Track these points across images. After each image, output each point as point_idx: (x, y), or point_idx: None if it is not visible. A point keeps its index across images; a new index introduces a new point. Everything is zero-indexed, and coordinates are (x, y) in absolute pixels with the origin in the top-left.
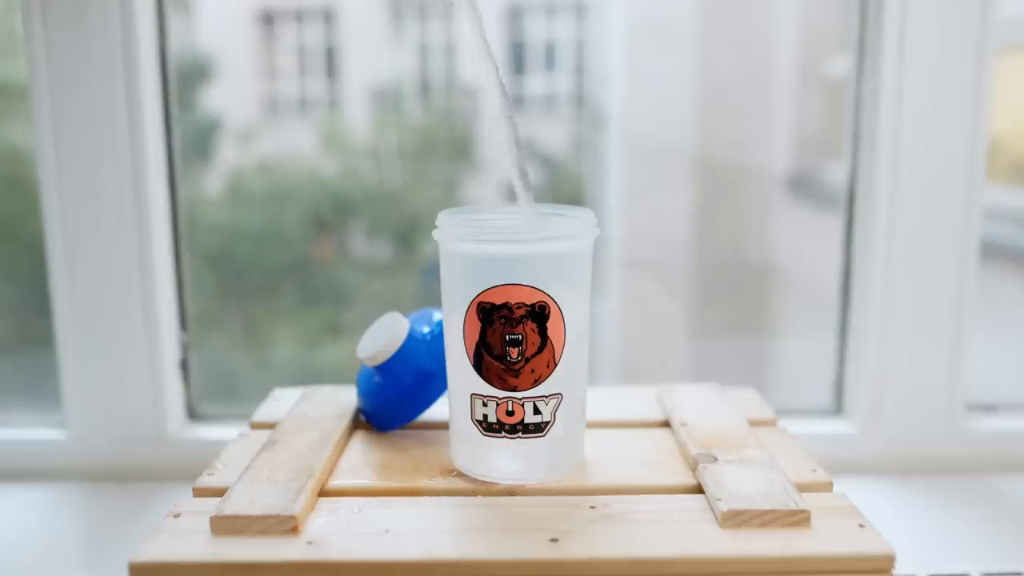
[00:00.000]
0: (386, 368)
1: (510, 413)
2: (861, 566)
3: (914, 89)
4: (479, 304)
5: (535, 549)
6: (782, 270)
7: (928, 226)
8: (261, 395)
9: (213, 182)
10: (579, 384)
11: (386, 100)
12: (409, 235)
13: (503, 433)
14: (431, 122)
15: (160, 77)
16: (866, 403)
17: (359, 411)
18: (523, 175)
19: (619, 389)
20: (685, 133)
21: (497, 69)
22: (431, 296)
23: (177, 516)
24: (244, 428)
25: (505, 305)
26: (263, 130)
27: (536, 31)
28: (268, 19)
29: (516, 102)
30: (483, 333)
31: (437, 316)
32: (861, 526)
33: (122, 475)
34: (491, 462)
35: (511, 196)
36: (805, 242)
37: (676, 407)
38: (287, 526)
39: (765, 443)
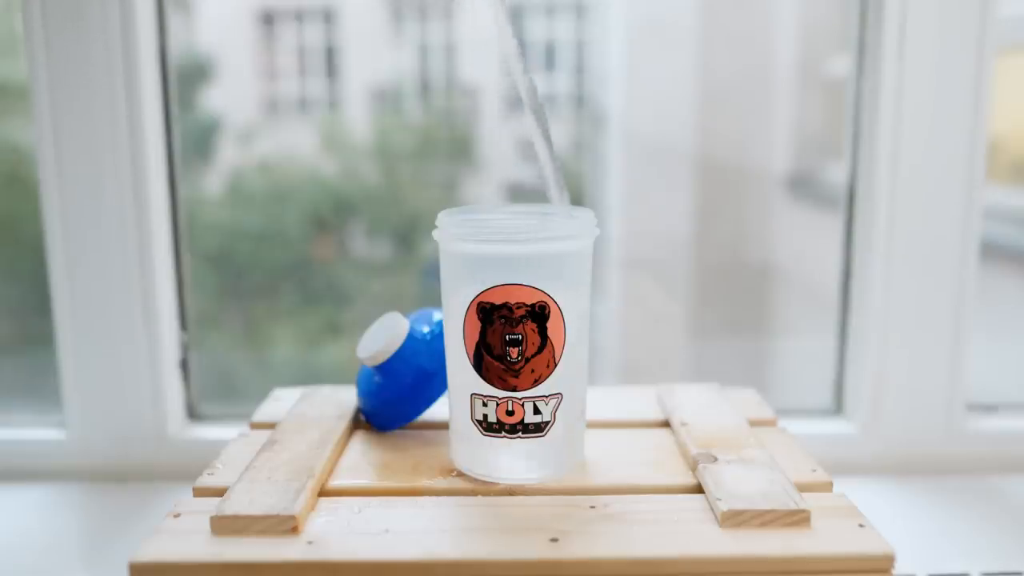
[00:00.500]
0: (386, 368)
1: (510, 413)
2: (861, 566)
3: (914, 88)
4: (479, 304)
5: (535, 549)
6: (782, 270)
7: (928, 226)
8: (261, 395)
9: (213, 182)
10: (579, 384)
11: (386, 100)
12: (409, 235)
13: (503, 433)
14: (431, 122)
15: (160, 77)
16: (866, 403)
17: (359, 411)
18: (557, 170)
19: (619, 389)
20: (685, 133)
21: (524, 66)
22: (431, 296)
23: (177, 516)
24: (244, 428)
25: (505, 305)
26: (263, 130)
27: (536, 31)
28: (268, 19)
29: (535, 93)
30: (483, 333)
31: (437, 316)
32: (861, 526)
33: (122, 475)
34: (491, 462)
35: (511, 196)
36: (805, 242)
37: (676, 407)
38: (287, 526)
39: (765, 443)
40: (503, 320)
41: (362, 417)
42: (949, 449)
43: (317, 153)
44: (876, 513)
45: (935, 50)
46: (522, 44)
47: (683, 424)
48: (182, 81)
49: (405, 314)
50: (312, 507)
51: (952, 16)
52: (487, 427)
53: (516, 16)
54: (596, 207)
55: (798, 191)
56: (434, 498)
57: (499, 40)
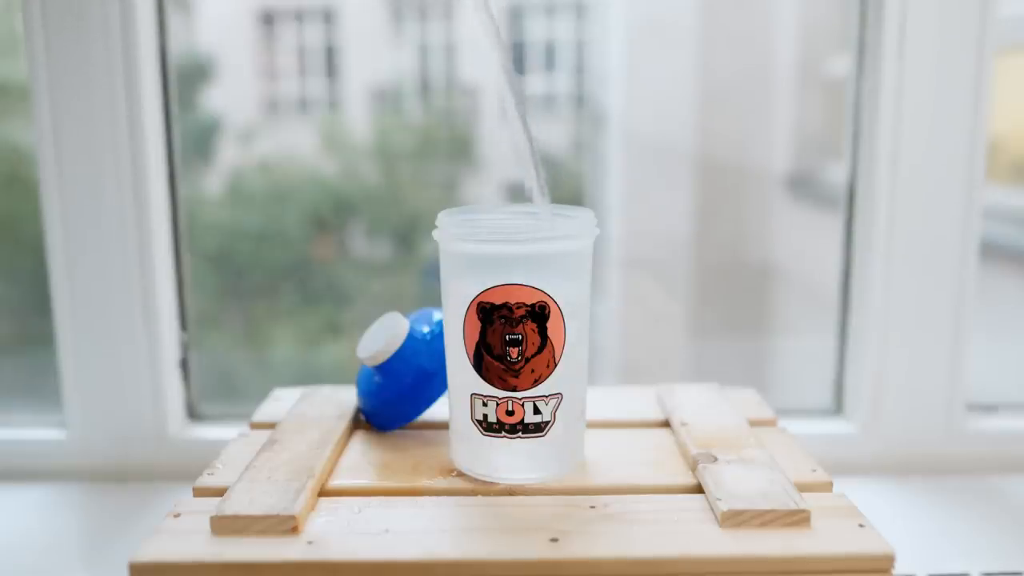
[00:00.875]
0: (386, 368)
1: (510, 413)
2: (861, 566)
3: (914, 88)
4: (479, 304)
5: (535, 549)
6: (782, 270)
7: (928, 226)
8: (261, 395)
9: (213, 182)
10: (579, 384)
11: (386, 100)
12: (409, 235)
13: (503, 433)
14: (431, 122)
15: (160, 77)
16: (866, 403)
17: (359, 411)
18: (538, 171)
19: (619, 389)
20: (685, 133)
21: (509, 64)
22: (431, 296)
23: (177, 516)
24: (244, 428)
25: (505, 305)
26: (263, 130)
27: (536, 31)
28: (268, 19)
29: (524, 97)
30: (483, 333)
31: (437, 316)
32: (861, 526)
33: (122, 475)
34: (491, 462)
35: (511, 196)
36: (805, 242)
37: (676, 407)
38: (287, 526)
39: (765, 443)
40: (503, 320)
41: (362, 417)
42: (949, 449)
43: (317, 153)
44: (876, 513)
45: (935, 50)
46: (516, 44)
47: (683, 424)
48: (182, 81)
49: (405, 314)
50: (312, 507)
51: (952, 16)
52: (487, 427)
53: (516, 16)
54: (596, 207)
55: (798, 191)
56: (434, 498)
57: (483, 38)
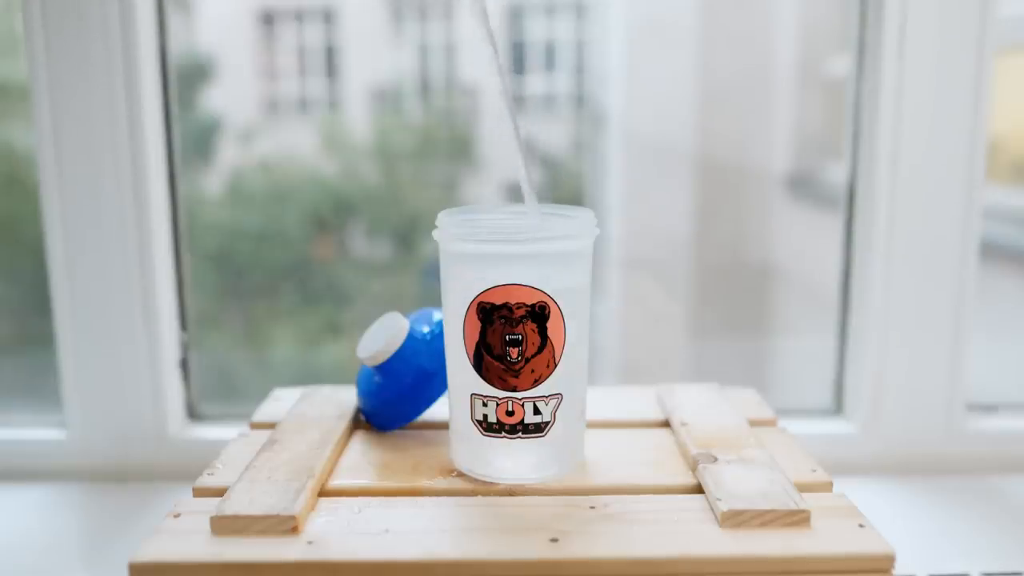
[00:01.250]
0: (386, 368)
1: (510, 413)
2: (861, 566)
3: (914, 88)
4: (479, 304)
5: (535, 549)
6: (782, 270)
7: (928, 226)
8: (261, 395)
9: (213, 182)
10: (579, 384)
11: (386, 100)
12: (409, 235)
13: (503, 433)
14: (431, 122)
15: (160, 77)
16: (866, 403)
17: (359, 411)
18: (527, 172)
19: (619, 389)
20: (685, 133)
21: (501, 67)
22: (431, 296)
23: (177, 516)
24: (244, 428)
25: (505, 305)
26: (263, 130)
27: (536, 31)
28: (268, 19)
29: (517, 101)
30: (483, 333)
31: (437, 316)
32: (861, 526)
33: (122, 475)
34: (491, 462)
35: (511, 196)
36: (805, 242)
37: (676, 407)
38: (287, 526)
39: (765, 443)
40: (503, 320)
41: (362, 417)
42: (949, 449)
43: (317, 153)
44: (876, 513)
45: (935, 50)
46: (516, 44)
47: (683, 424)
48: (182, 81)
49: (405, 314)
50: (312, 507)
51: (952, 16)
52: (487, 427)
53: (516, 16)
54: (596, 207)
55: (798, 191)
56: (434, 498)
57: (479, 38)
